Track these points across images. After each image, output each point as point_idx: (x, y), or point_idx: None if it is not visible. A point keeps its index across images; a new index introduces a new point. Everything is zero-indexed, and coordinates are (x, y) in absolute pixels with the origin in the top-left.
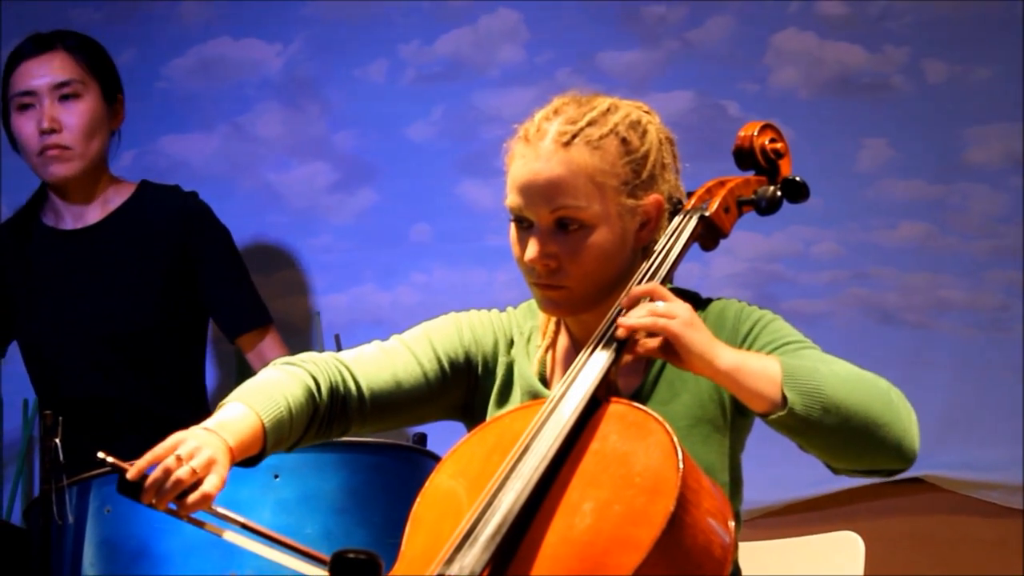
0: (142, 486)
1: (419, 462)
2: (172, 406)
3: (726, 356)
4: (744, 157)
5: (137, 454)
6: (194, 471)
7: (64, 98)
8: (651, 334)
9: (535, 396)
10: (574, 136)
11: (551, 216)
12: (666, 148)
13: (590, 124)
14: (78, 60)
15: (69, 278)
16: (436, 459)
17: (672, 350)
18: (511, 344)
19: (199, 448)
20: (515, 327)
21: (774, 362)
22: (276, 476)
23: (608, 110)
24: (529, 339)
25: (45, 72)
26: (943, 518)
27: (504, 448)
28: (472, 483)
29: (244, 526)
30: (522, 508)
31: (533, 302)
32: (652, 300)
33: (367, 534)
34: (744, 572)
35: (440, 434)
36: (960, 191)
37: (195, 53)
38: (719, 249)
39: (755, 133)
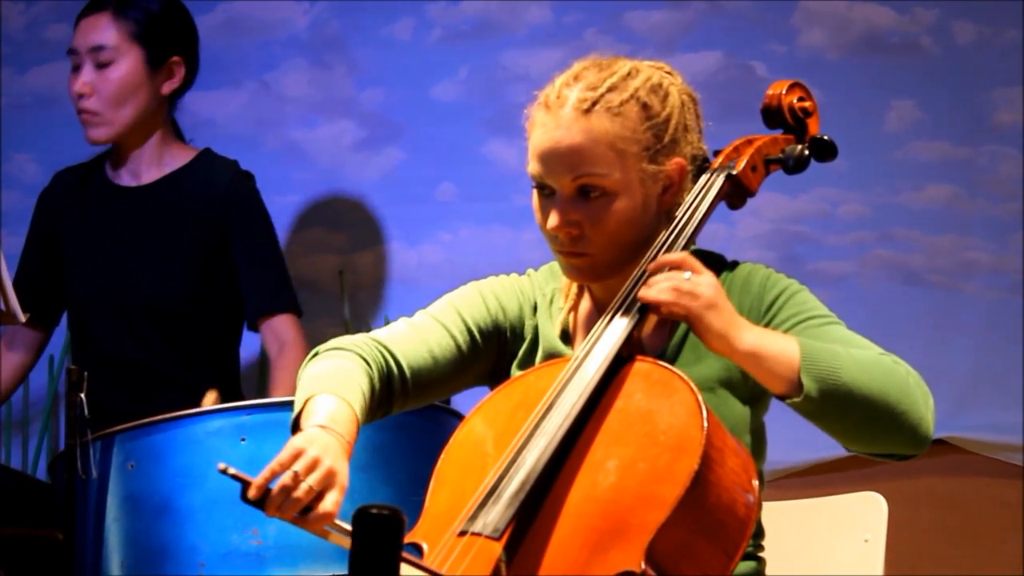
0: (265, 501)
1: (443, 420)
2: (199, 376)
3: (746, 338)
4: (772, 115)
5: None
6: (311, 489)
7: (101, 64)
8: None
9: (559, 353)
10: (594, 103)
11: (572, 184)
12: (689, 109)
13: (610, 90)
14: (122, 24)
15: (115, 236)
16: (460, 417)
17: (691, 326)
18: (535, 308)
19: (317, 461)
20: (537, 290)
21: (794, 344)
22: None
23: (629, 74)
24: (551, 302)
25: (87, 32)
26: (967, 480)
27: (529, 405)
28: (496, 440)
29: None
30: (546, 465)
31: (554, 264)
32: (680, 270)
33: (391, 491)
34: (769, 533)
35: (463, 393)
36: (987, 153)
37: (222, 11)
38: (744, 210)
39: (783, 91)
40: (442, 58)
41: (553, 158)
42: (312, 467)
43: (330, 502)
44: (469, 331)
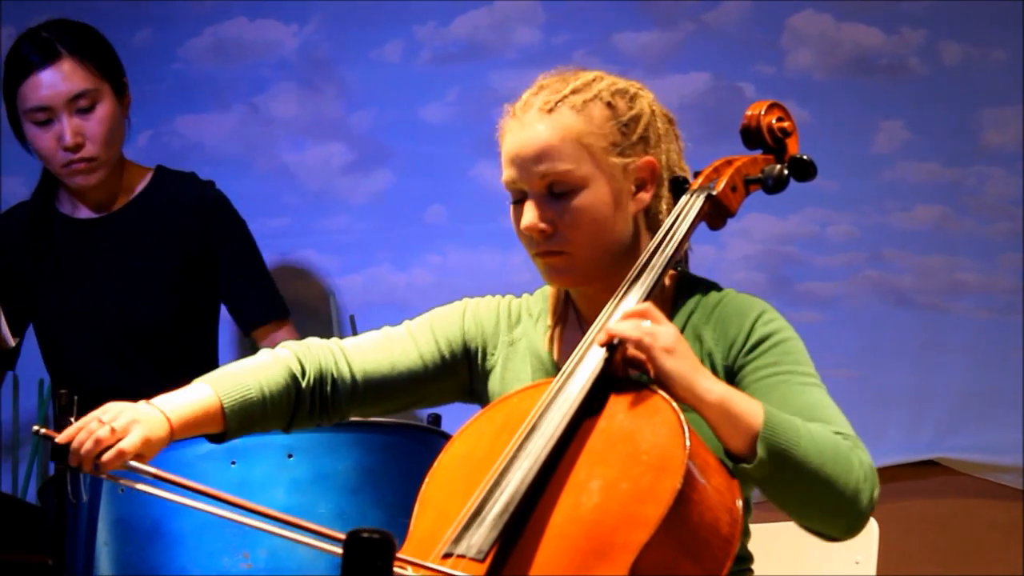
0: (69, 449)
1: (433, 442)
2: None
3: (714, 390)
4: (751, 136)
5: None
6: (113, 430)
7: (81, 110)
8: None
9: (545, 370)
10: (558, 103)
11: (542, 183)
12: (660, 120)
13: (574, 92)
14: (87, 65)
15: (84, 267)
16: (449, 439)
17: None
18: (517, 322)
19: (123, 412)
20: (525, 309)
21: (759, 409)
22: (290, 455)
23: (593, 80)
24: (538, 320)
25: (57, 85)
26: (957, 501)
27: (512, 427)
28: (480, 462)
29: (175, 483)
30: (530, 487)
31: (547, 288)
32: (643, 318)
33: (381, 514)
34: (759, 553)
35: (454, 415)
36: (976, 174)
37: (211, 33)
38: (734, 231)
39: (762, 112)
40: (431, 80)
41: (519, 158)
42: (116, 417)
43: (127, 442)
44: (436, 343)
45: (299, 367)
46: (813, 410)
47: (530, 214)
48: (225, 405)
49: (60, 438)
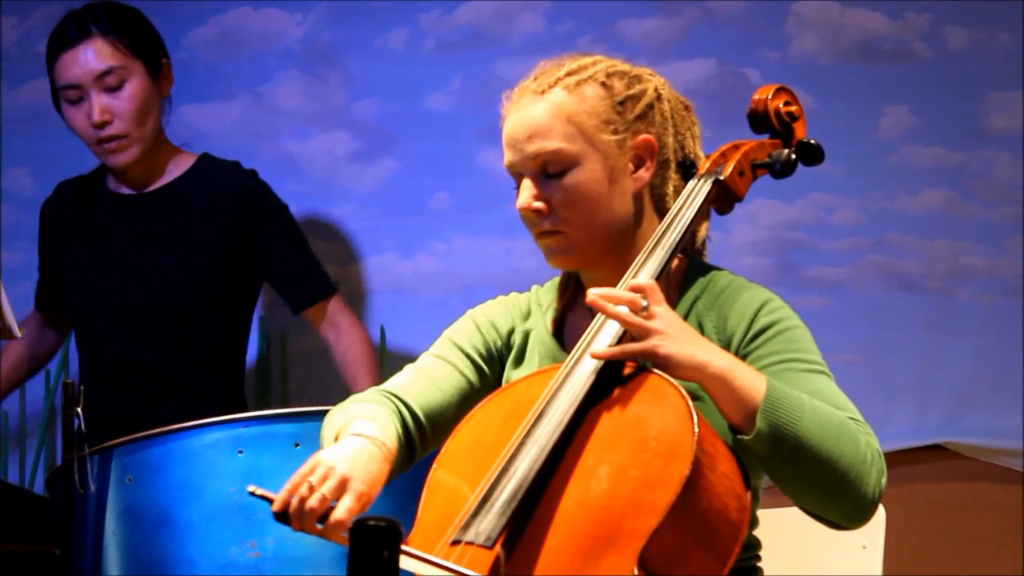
0: (287, 515)
1: None
2: (207, 380)
3: (716, 361)
4: (758, 120)
5: (167, 423)
6: (324, 498)
7: (109, 88)
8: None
9: (554, 357)
10: (551, 85)
11: (535, 163)
12: (672, 103)
13: (569, 74)
14: (117, 43)
15: (120, 244)
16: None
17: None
18: (528, 315)
19: (331, 470)
20: (534, 301)
21: (762, 382)
22: (297, 444)
23: (591, 63)
24: (547, 310)
25: (85, 62)
26: (964, 485)
27: (520, 413)
28: (488, 449)
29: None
30: (538, 473)
31: (557, 279)
32: (644, 296)
33: (388, 502)
34: (766, 539)
35: None
36: (982, 158)
37: (215, 23)
38: (740, 216)
39: (769, 96)
40: (436, 68)
41: (513, 140)
42: (325, 476)
43: (343, 509)
44: (471, 359)
45: (394, 408)
46: (819, 396)
47: (524, 194)
48: (392, 446)
49: (274, 506)
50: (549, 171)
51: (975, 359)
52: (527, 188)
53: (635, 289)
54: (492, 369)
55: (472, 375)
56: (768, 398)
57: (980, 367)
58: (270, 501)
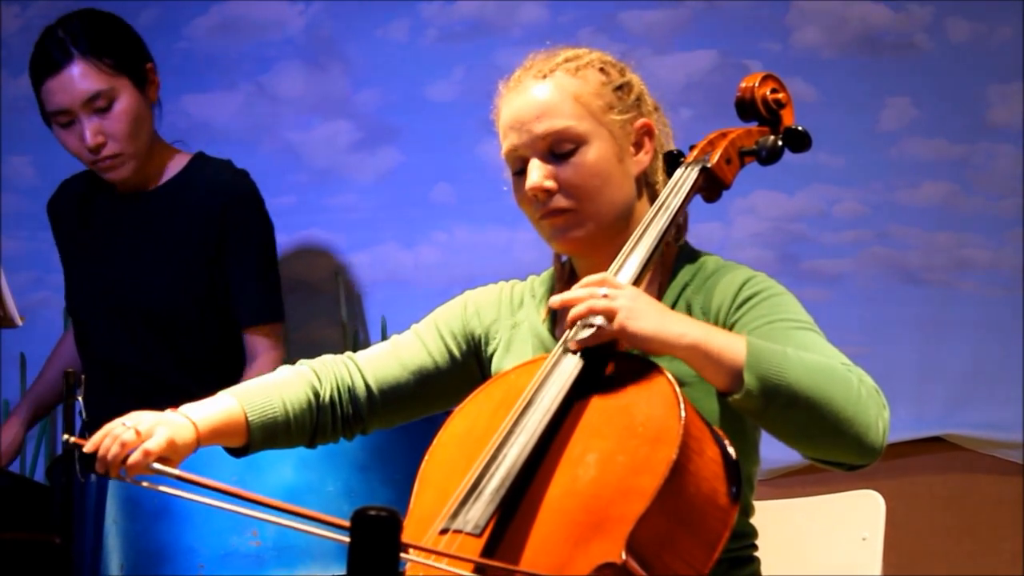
0: (96, 455)
1: (442, 421)
2: (200, 382)
3: (688, 332)
4: (746, 108)
5: None
6: (138, 433)
7: (99, 109)
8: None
9: (547, 347)
10: (552, 69)
11: (544, 143)
12: (649, 96)
13: (566, 60)
14: (99, 64)
15: (116, 243)
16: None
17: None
18: (520, 305)
19: (147, 416)
20: (528, 291)
21: (740, 341)
22: None
23: (586, 52)
24: (541, 301)
25: (72, 88)
26: (964, 477)
27: (509, 403)
28: (479, 439)
29: (205, 486)
30: (526, 461)
31: (552, 269)
32: (598, 285)
33: (389, 492)
34: (766, 531)
35: None
36: (983, 150)
37: (217, 12)
38: (741, 208)
39: (756, 84)
40: (437, 58)
41: (519, 122)
42: (140, 420)
43: (152, 443)
44: (442, 338)
45: (317, 381)
46: (809, 351)
47: (534, 174)
48: (250, 418)
49: (87, 447)
50: (557, 151)
51: (975, 351)
52: (536, 168)
53: (588, 284)
54: (463, 355)
55: (440, 357)
56: (751, 353)
57: (980, 359)
58: (80, 445)
